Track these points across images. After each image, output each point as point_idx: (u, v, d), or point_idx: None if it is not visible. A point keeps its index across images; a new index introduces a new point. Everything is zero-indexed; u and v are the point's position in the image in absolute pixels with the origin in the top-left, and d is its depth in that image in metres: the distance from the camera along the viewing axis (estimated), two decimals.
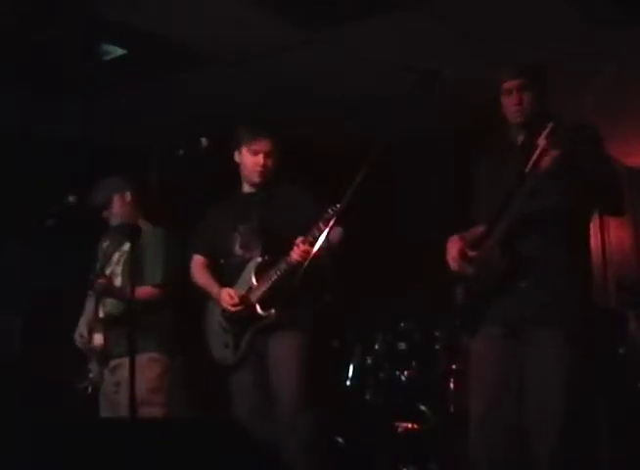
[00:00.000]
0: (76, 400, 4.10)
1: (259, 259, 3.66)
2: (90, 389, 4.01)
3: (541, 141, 2.82)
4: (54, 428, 2.49)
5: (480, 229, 3.13)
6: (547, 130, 2.82)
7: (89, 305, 4.10)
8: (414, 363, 4.75)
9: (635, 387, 4.63)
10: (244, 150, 3.77)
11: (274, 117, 5.59)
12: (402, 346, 4.80)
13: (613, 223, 6.80)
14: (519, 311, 3.00)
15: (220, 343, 3.73)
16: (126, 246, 3.99)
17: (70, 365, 4.29)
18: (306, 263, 3.40)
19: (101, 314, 4.00)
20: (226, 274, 3.78)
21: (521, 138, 3.13)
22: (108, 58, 4.87)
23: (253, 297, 3.63)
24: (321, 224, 3.36)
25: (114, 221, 4.15)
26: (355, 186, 3.24)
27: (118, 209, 4.13)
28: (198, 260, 3.90)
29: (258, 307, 3.61)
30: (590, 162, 2.92)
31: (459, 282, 3.18)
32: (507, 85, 3.08)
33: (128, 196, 4.14)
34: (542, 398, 2.95)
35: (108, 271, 4.10)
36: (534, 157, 2.83)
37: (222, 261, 3.81)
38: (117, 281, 4.02)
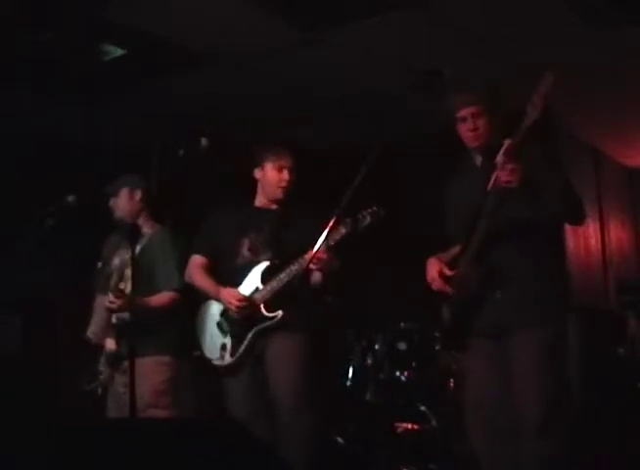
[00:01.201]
0: (78, 401, 4.10)
1: (268, 263, 3.69)
2: (100, 390, 4.01)
3: (498, 159, 2.93)
4: (54, 428, 2.49)
5: (455, 249, 3.25)
6: (503, 148, 2.93)
7: (99, 306, 4.09)
8: (414, 363, 4.75)
9: (635, 387, 4.63)
10: (268, 166, 3.80)
11: (274, 116, 5.62)
12: (402, 346, 4.81)
13: (613, 224, 6.81)
14: (498, 321, 3.11)
15: (216, 344, 3.72)
16: (136, 248, 4.00)
17: (71, 365, 4.29)
18: (306, 263, 3.41)
19: (113, 320, 3.99)
20: (230, 276, 3.77)
21: (479, 160, 3.25)
22: (108, 58, 4.87)
23: (259, 298, 3.65)
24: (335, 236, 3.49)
25: (118, 214, 4.14)
26: (355, 186, 3.25)
27: (125, 203, 4.11)
28: (197, 261, 3.89)
29: (263, 309, 3.62)
30: (544, 173, 3.03)
31: (443, 302, 3.28)
32: (461, 113, 3.18)
33: (138, 194, 4.13)
34: (523, 393, 3.04)
35: (116, 276, 4.10)
36: (494, 174, 2.95)
37: (227, 265, 3.80)
38: (128, 285, 3.99)
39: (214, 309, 3.78)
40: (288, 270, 3.59)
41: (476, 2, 4.32)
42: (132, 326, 3.68)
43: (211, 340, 3.75)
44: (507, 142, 2.93)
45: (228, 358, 3.68)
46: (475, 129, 3.15)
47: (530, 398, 3.01)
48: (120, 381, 3.95)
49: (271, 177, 3.80)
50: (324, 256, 3.48)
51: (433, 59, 4.79)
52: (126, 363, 3.89)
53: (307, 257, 3.49)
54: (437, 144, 5.94)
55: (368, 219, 3.53)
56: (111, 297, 3.89)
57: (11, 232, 5.29)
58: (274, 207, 3.84)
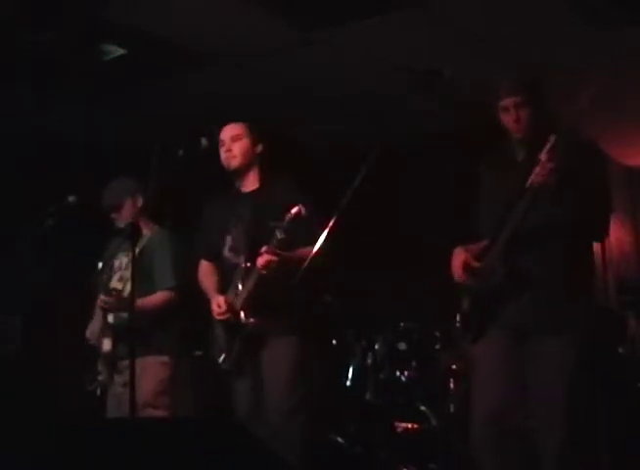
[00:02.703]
0: (78, 401, 4.10)
1: (243, 266, 3.62)
2: (99, 391, 4.00)
3: (542, 156, 2.86)
4: (54, 428, 2.49)
5: (484, 243, 3.19)
6: (548, 145, 2.86)
7: (98, 308, 4.09)
8: (414, 363, 4.75)
9: (635, 387, 4.63)
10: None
11: (274, 116, 5.61)
12: (402, 346, 4.80)
13: (613, 223, 6.79)
14: (520, 322, 3.07)
15: (217, 347, 3.72)
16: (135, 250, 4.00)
17: (71, 365, 4.29)
18: (306, 264, 3.38)
19: (110, 320, 3.99)
20: (223, 278, 3.76)
21: (522, 154, 3.18)
22: (108, 58, 4.87)
23: (238, 303, 3.60)
24: (284, 224, 3.35)
25: (122, 223, 4.12)
26: (355, 186, 3.24)
27: (129, 213, 4.08)
28: (203, 265, 3.88)
29: (242, 314, 3.57)
30: (589, 178, 2.99)
31: (465, 292, 3.22)
32: (504, 103, 3.12)
33: (140, 200, 4.11)
34: (547, 402, 3.00)
35: (115, 278, 4.10)
36: (535, 172, 2.88)
37: (221, 266, 3.78)
38: (127, 286, 3.98)
39: None
40: (252, 275, 3.54)
41: (476, 2, 4.32)
42: (129, 326, 3.68)
43: (216, 343, 3.74)
44: (552, 138, 2.86)
45: (226, 361, 3.67)
46: (517, 120, 3.08)
47: (555, 407, 2.96)
48: (119, 380, 3.95)
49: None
50: (273, 258, 3.40)
51: (433, 59, 4.78)
52: (124, 363, 3.90)
53: (258, 263, 3.43)
54: (437, 144, 5.97)
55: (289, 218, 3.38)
56: (102, 296, 3.90)
57: (11, 232, 5.30)
58: (252, 188, 3.74)
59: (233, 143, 3.71)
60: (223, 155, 3.72)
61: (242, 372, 3.65)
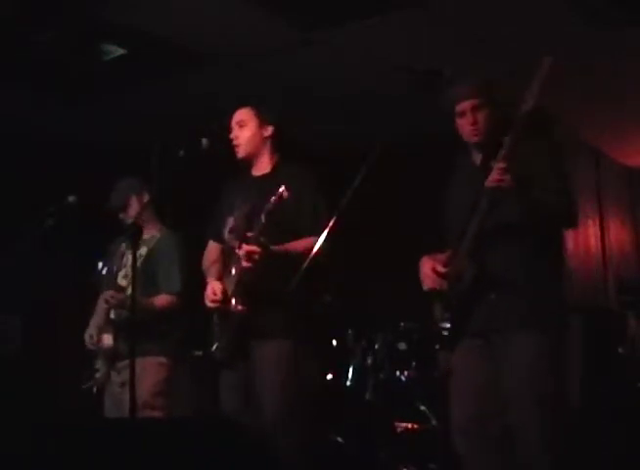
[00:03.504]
0: (78, 401, 4.10)
1: (238, 251, 3.50)
2: (95, 389, 4.00)
3: (498, 158, 2.89)
4: (54, 428, 2.49)
5: (449, 251, 3.21)
6: (503, 147, 2.89)
7: (100, 305, 4.09)
8: (414, 363, 4.75)
9: (635, 387, 4.63)
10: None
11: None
12: (402, 346, 4.81)
13: (612, 223, 6.81)
14: (490, 322, 3.07)
15: (214, 337, 3.61)
16: (143, 249, 3.98)
17: (70, 365, 4.29)
18: (306, 264, 3.35)
19: (112, 316, 3.99)
20: (224, 261, 3.66)
21: (479, 157, 3.20)
22: (108, 58, 4.88)
23: (230, 290, 3.50)
24: (267, 207, 3.25)
25: (129, 220, 4.10)
26: (355, 186, 3.24)
27: (135, 210, 4.08)
28: (210, 247, 3.77)
29: (233, 301, 3.47)
30: (543, 175, 3.00)
31: (435, 299, 3.22)
32: (460, 107, 3.14)
33: (146, 197, 4.10)
34: (518, 402, 2.99)
35: (121, 275, 4.09)
36: (491, 174, 2.90)
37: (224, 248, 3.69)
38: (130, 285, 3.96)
39: None
40: (236, 264, 3.44)
41: (476, 2, 4.32)
42: (130, 325, 3.67)
43: (212, 332, 3.64)
44: (506, 140, 2.89)
45: (219, 351, 3.58)
46: (474, 123, 3.11)
47: (526, 405, 2.95)
48: (117, 380, 3.95)
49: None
50: (255, 249, 3.29)
51: (433, 59, 4.79)
52: (122, 363, 3.90)
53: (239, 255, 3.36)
54: (437, 144, 5.96)
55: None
56: (111, 291, 3.90)
57: (11, 232, 5.30)
58: (263, 172, 3.65)
59: (240, 129, 3.63)
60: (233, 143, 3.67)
61: (233, 366, 3.56)
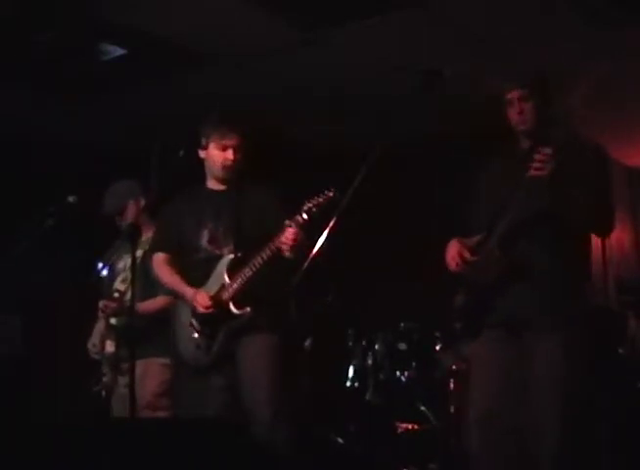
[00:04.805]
0: (78, 401, 4.11)
1: (232, 256, 3.58)
2: (104, 393, 4.02)
3: (544, 149, 2.92)
4: (54, 428, 2.49)
5: (478, 237, 3.22)
6: (552, 139, 2.94)
7: (100, 313, 4.09)
8: (414, 363, 4.75)
9: (635, 387, 4.63)
10: (211, 145, 3.68)
11: (274, 116, 5.61)
12: (402, 346, 4.80)
13: None
14: (517, 315, 3.08)
15: (192, 344, 3.61)
16: (139, 252, 3.98)
17: (70, 365, 4.29)
18: (307, 263, 3.37)
19: (113, 322, 3.99)
20: (192, 270, 3.68)
21: (526, 145, 3.23)
22: (108, 58, 4.87)
23: (226, 295, 3.54)
24: (303, 213, 3.36)
25: (126, 224, 4.10)
26: (355, 187, 3.24)
27: (132, 215, 4.08)
28: (160, 258, 3.78)
29: (232, 306, 3.52)
30: (589, 177, 3.04)
31: (459, 286, 3.24)
32: (509, 96, 3.22)
33: (142, 201, 4.10)
34: (543, 401, 3.01)
35: (118, 280, 4.09)
36: (535, 164, 2.93)
37: (188, 257, 3.70)
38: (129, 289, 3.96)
39: (187, 309, 3.66)
40: (251, 264, 3.49)
41: (476, 2, 4.32)
42: (131, 329, 3.67)
43: (187, 340, 3.63)
44: (555, 132, 2.96)
45: (203, 358, 3.59)
46: (521, 113, 3.18)
47: (551, 407, 2.98)
48: (123, 382, 3.97)
49: (214, 156, 3.68)
50: (290, 241, 3.37)
51: (433, 59, 4.78)
52: (127, 365, 3.90)
53: (272, 245, 3.41)
54: (437, 144, 5.96)
55: (321, 201, 3.38)
56: (104, 301, 3.91)
57: (11, 232, 5.30)
58: (223, 187, 3.73)
59: (235, 153, 3.68)
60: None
61: (220, 369, 3.58)
